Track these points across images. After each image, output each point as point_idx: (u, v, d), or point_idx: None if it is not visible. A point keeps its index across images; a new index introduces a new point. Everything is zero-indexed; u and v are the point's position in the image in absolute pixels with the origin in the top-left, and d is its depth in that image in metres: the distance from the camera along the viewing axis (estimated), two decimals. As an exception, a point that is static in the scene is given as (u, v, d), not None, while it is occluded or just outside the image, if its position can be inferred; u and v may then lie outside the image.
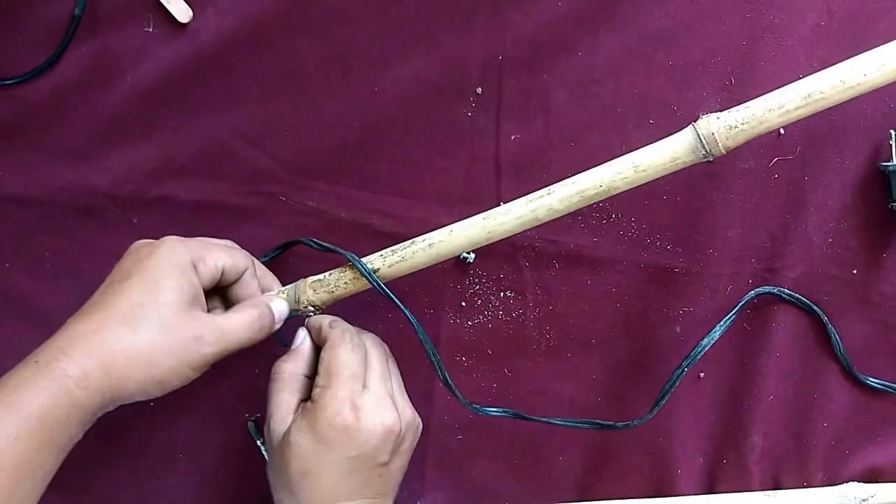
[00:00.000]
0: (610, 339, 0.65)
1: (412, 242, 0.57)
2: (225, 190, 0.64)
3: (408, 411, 0.55)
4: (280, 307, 0.56)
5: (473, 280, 0.65)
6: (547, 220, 0.55)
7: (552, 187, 0.55)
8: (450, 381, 0.57)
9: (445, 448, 0.66)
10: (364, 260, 0.57)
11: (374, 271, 0.57)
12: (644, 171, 0.53)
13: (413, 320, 0.56)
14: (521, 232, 0.56)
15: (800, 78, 0.59)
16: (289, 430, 0.53)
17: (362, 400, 0.52)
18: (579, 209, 0.55)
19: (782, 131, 0.61)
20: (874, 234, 0.63)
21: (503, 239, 0.56)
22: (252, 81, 0.63)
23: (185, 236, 0.58)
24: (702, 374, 0.65)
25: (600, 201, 0.61)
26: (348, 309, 0.60)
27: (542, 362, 0.65)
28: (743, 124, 0.52)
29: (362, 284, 0.57)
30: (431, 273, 0.62)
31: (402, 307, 0.55)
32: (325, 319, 0.57)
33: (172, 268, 0.51)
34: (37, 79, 0.63)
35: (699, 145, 0.52)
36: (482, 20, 0.61)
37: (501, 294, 0.65)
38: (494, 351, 0.66)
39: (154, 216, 0.64)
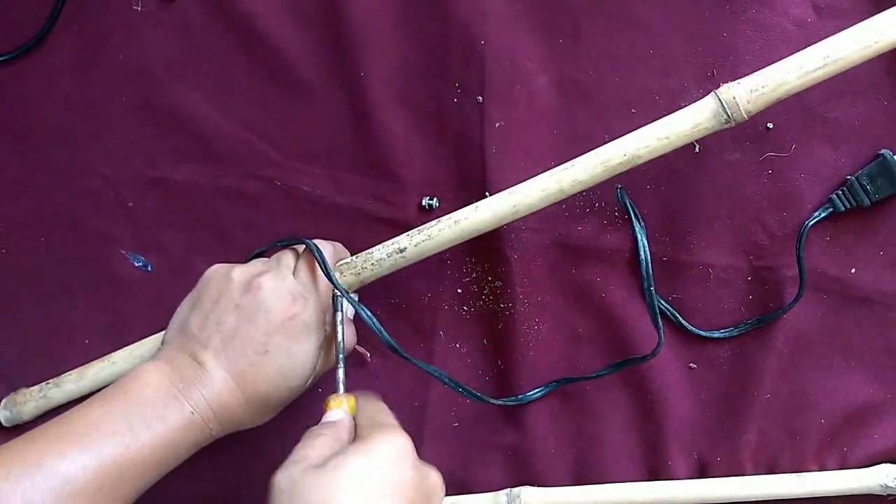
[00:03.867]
0: (597, 329, 0.64)
1: (438, 221, 0.58)
2: (220, 173, 0.65)
3: None
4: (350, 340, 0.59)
5: (469, 267, 0.65)
6: (572, 192, 0.56)
7: (576, 160, 0.56)
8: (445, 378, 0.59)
9: (441, 437, 0.66)
10: (391, 242, 0.59)
11: (401, 251, 0.58)
12: (667, 138, 0.54)
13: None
14: (545, 207, 0.56)
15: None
16: None
17: None
18: (568, 197, 0.56)
19: (770, 125, 0.61)
20: (871, 232, 0.62)
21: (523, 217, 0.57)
22: (244, 64, 0.64)
23: (183, 218, 0.59)
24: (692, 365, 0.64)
25: (587, 190, 0.62)
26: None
27: (532, 356, 0.65)
28: (763, 87, 0.53)
29: (389, 266, 0.59)
30: (429, 259, 0.62)
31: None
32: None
33: None
34: (28, 59, 0.65)
35: (721, 110, 0.53)
36: (463, 4, 0.62)
37: (492, 283, 0.65)
38: (489, 340, 0.65)
39: (149, 199, 0.66)
